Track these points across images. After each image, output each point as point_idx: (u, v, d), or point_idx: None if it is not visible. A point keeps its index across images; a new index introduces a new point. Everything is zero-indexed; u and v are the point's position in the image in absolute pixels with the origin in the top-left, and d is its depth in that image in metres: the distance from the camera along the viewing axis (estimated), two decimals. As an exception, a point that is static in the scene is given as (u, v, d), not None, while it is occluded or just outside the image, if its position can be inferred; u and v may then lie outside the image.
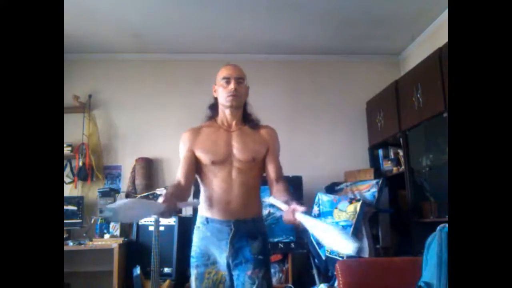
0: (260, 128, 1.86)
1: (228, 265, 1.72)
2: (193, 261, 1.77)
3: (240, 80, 1.80)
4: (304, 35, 3.96)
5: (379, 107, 3.96)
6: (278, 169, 1.82)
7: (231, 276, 1.72)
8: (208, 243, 1.75)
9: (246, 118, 1.86)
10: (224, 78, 1.79)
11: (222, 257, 1.72)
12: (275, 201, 1.67)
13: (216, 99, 1.86)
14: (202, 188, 1.82)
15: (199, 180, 1.84)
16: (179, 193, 1.68)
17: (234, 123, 1.83)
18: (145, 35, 3.90)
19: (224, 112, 1.83)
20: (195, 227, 1.83)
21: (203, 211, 1.80)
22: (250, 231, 1.75)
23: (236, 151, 1.77)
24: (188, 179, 1.76)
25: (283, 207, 1.59)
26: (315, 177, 3.84)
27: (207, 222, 1.76)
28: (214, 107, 1.88)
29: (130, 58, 4.28)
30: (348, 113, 4.32)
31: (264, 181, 1.87)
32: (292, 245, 3.55)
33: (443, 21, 3.53)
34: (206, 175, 1.78)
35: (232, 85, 1.76)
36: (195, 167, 1.80)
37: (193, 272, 1.75)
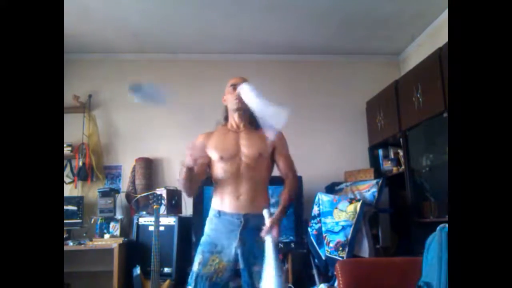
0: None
1: (236, 255, 1.88)
2: (200, 248, 1.94)
3: None
4: (304, 35, 3.96)
5: (379, 107, 3.96)
6: (288, 163, 2.06)
7: (233, 268, 1.88)
8: (219, 234, 1.92)
9: (253, 122, 2.02)
10: (231, 85, 2.04)
11: (230, 247, 1.88)
12: (265, 214, 1.87)
13: (226, 107, 2.09)
14: (214, 184, 2.03)
15: (212, 177, 2.04)
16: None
17: (242, 125, 2.04)
18: (145, 35, 3.90)
19: (233, 116, 2.05)
20: (208, 219, 2.01)
21: (216, 205, 1.98)
22: (259, 226, 1.87)
23: (244, 148, 1.97)
24: (199, 174, 1.97)
25: (266, 222, 1.85)
26: (315, 177, 3.83)
27: (219, 215, 1.94)
28: (226, 115, 2.11)
29: (130, 58, 4.28)
30: (348, 113, 4.32)
31: (272, 181, 2.05)
32: (292, 245, 3.55)
33: (443, 21, 3.53)
34: (218, 171, 1.98)
35: (238, 90, 1.98)
36: (205, 166, 2.02)
37: (198, 257, 1.91)
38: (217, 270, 1.87)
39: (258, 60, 4.33)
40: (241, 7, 3.43)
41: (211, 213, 1.99)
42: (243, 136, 2.01)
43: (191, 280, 1.89)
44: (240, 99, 1.97)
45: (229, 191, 1.94)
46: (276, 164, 2.06)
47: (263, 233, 1.81)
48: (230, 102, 2.03)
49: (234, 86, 2.01)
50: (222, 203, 1.95)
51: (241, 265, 1.88)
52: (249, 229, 1.89)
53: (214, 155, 1.98)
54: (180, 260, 3.38)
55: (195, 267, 1.91)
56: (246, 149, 1.96)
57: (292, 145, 4.41)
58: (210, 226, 1.97)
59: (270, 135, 1.96)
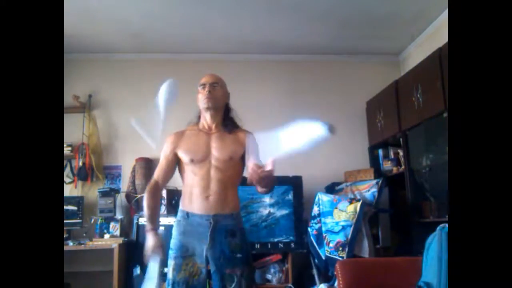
0: (238, 132, 1.99)
1: (206, 258, 1.83)
2: (171, 253, 1.90)
3: (214, 85, 1.99)
4: (304, 35, 3.96)
5: (379, 107, 3.96)
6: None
7: (207, 270, 1.83)
8: (188, 236, 1.87)
9: (226, 123, 2.00)
10: (201, 85, 2.01)
11: (201, 250, 1.83)
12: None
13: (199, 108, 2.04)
14: (183, 185, 1.98)
15: (181, 178, 2.00)
16: (157, 209, 1.96)
17: (214, 126, 1.99)
18: (145, 35, 3.90)
19: (205, 116, 2.01)
20: (176, 221, 1.95)
21: (184, 206, 1.93)
22: (229, 226, 1.87)
23: (215, 150, 1.92)
24: (165, 178, 1.98)
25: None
26: (315, 177, 3.84)
27: (188, 216, 1.89)
28: (199, 115, 2.07)
29: (130, 58, 4.28)
30: (348, 113, 4.31)
31: (243, 181, 1.97)
32: (292, 245, 3.55)
33: (443, 21, 3.53)
34: (188, 173, 1.94)
35: (207, 89, 1.96)
36: (174, 168, 1.99)
37: (171, 263, 1.89)
38: (192, 274, 1.83)
39: (258, 60, 4.33)
40: (241, 7, 3.43)
41: (179, 214, 1.94)
42: (215, 138, 1.95)
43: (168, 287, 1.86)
44: (209, 98, 1.94)
45: (198, 193, 1.88)
46: (247, 167, 1.96)
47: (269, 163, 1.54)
48: (201, 101, 1.99)
49: (204, 85, 1.98)
50: (191, 204, 1.89)
51: (211, 268, 1.83)
52: (218, 231, 1.84)
53: (184, 157, 1.94)
54: (180, 260, 3.38)
55: (170, 274, 1.87)
56: (217, 152, 1.91)
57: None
58: (178, 228, 1.91)
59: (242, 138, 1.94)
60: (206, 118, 2.00)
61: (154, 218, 1.91)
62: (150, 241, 1.85)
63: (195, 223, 1.87)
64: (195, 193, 1.89)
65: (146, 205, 1.91)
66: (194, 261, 1.84)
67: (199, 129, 2.02)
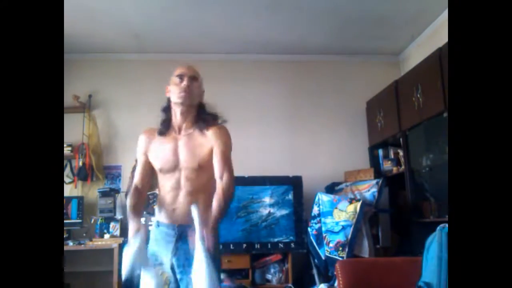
0: (210, 129, 1.79)
1: (172, 267, 1.76)
2: None
3: (193, 79, 1.80)
4: (304, 35, 3.96)
5: (379, 107, 3.96)
6: (223, 162, 1.76)
7: (175, 278, 1.76)
8: (158, 244, 1.81)
9: (199, 121, 1.81)
10: (178, 75, 1.79)
11: (167, 259, 1.76)
12: (195, 215, 1.65)
13: (169, 100, 1.84)
14: (158, 191, 1.88)
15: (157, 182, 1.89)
16: (140, 205, 1.83)
17: (184, 125, 1.81)
18: (145, 35, 3.90)
19: (175, 112, 1.81)
20: (151, 229, 1.89)
21: (156, 215, 1.87)
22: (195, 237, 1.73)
23: (183, 159, 1.77)
24: (143, 180, 1.86)
25: (196, 226, 1.63)
26: (315, 177, 3.84)
27: (158, 225, 1.84)
28: (167, 109, 1.86)
29: (130, 58, 4.28)
30: (348, 113, 4.32)
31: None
32: (292, 245, 3.56)
33: (443, 21, 3.53)
34: (160, 181, 1.84)
35: (185, 82, 1.76)
36: (151, 168, 1.85)
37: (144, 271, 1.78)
38: (164, 281, 1.77)
39: (258, 60, 4.33)
40: (241, 8, 3.43)
41: (153, 223, 1.87)
42: (182, 145, 1.79)
43: None
44: (186, 93, 1.74)
45: (166, 203, 1.80)
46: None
47: (193, 237, 1.63)
48: (174, 94, 1.77)
49: (182, 77, 1.78)
50: (160, 213, 1.83)
51: (178, 276, 1.76)
52: (184, 240, 1.74)
53: (155, 165, 1.83)
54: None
55: (142, 280, 1.78)
56: (185, 161, 1.77)
57: (292, 145, 4.42)
58: (151, 237, 1.85)
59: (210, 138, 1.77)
60: (177, 115, 1.81)
61: (137, 217, 1.79)
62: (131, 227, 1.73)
63: (163, 232, 1.81)
64: (164, 203, 1.81)
65: (128, 205, 1.82)
66: (163, 270, 1.78)
67: (167, 132, 1.84)
